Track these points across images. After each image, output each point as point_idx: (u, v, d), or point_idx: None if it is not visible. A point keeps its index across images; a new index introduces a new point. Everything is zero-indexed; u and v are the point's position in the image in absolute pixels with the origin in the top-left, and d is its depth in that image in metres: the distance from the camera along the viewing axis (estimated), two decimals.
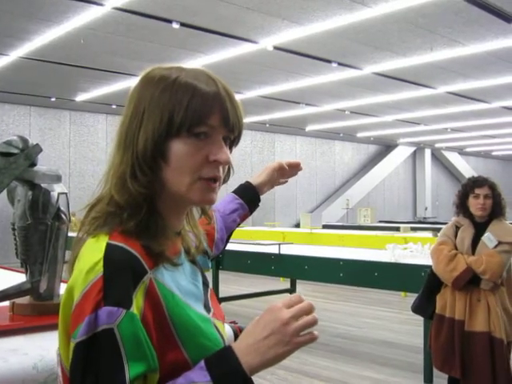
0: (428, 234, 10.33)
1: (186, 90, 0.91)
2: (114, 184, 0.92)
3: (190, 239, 1.06)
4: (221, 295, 6.89)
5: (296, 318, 0.85)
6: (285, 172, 1.62)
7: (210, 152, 0.92)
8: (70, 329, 0.83)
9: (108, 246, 0.86)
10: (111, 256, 0.84)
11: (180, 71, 0.95)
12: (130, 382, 0.80)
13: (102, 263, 0.83)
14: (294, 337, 0.84)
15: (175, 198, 0.95)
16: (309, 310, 0.86)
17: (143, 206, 0.91)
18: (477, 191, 3.56)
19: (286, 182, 1.65)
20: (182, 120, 0.89)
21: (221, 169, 0.95)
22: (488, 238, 3.52)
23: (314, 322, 0.86)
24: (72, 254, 0.94)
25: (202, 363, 0.85)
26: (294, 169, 1.65)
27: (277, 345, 0.84)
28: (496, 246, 3.49)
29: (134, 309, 0.82)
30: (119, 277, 0.83)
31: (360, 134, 19.65)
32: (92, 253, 0.86)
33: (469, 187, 3.61)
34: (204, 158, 0.92)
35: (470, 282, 3.47)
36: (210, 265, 1.27)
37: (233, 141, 0.98)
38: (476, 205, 3.55)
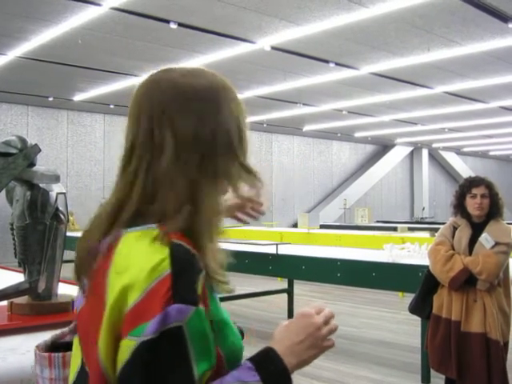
0: (425, 234, 10.35)
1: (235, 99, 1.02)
2: (152, 184, 0.93)
3: None
4: (219, 295, 6.87)
5: (325, 323, 0.94)
6: (245, 207, 1.44)
7: None
8: (124, 327, 0.82)
9: (172, 244, 0.86)
10: (178, 254, 0.85)
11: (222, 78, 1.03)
12: (197, 379, 0.82)
13: (168, 261, 0.84)
14: (323, 341, 0.94)
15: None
16: (332, 317, 0.96)
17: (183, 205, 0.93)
18: (474, 191, 3.56)
19: (245, 221, 1.51)
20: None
21: None
22: (485, 239, 3.52)
23: (336, 329, 0.96)
24: (82, 251, 0.93)
25: (250, 363, 0.88)
26: (255, 209, 1.47)
27: (310, 347, 0.92)
28: (493, 247, 3.48)
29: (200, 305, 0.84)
30: (186, 274, 0.84)
31: (357, 134, 19.67)
32: (152, 250, 0.85)
33: (466, 187, 3.62)
34: None
35: (466, 282, 3.47)
36: None
37: None
38: (473, 204, 3.55)
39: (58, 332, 1.14)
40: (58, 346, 1.13)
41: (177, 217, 0.90)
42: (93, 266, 0.91)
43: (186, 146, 0.93)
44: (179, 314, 0.81)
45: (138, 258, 0.85)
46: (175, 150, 0.92)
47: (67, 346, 1.11)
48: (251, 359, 0.90)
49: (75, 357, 0.97)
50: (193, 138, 0.93)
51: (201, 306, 0.84)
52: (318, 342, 0.93)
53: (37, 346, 1.12)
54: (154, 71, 1.03)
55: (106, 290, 0.86)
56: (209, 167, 0.94)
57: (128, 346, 0.81)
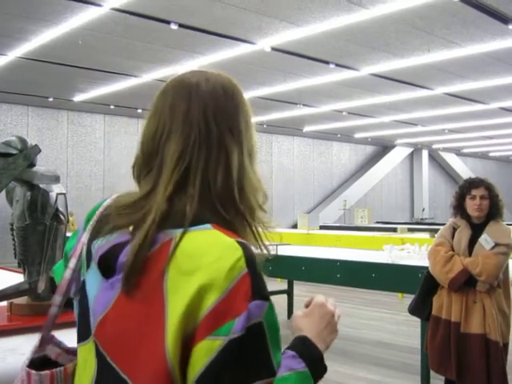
0: (425, 235, 10.35)
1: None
2: (200, 184, 0.95)
3: None
4: None
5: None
6: None
7: None
8: (202, 328, 0.83)
9: (239, 243, 0.89)
10: (249, 253, 0.89)
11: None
12: (276, 370, 0.87)
13: (243, 260, 0.86)
14: (336, 326, 1.05)
15: None
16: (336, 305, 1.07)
17: (231, 205, 0.96)
18: (473, 192, 3.56)
19: None
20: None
21: None
22: (485, 240, 3.52)
23: (340, 315, 1.08)
24: (141, 248, 0.89)
25: (292, 352, 0.94)
26: None
27: (331, 333, 1.03)
28: (493, 248, 3.48)
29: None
30: (259, 271, 0.88)
31: (357, 135, 19.67)
32: (223, 250, 0.87)
33: (465, 188, 3.62)
34: None
35: (466, 283, 3.47)
36: None
37: None
38: (472, 206, 3.55)
39: (33, 348, 1.08)
40: (36, 363, 1.07)
41: (227, 213, 0.95)
42: (143, 266, 0.89)
43: (241, 144, 0.99)
44: (259, 310, 0.85)
45: (209, 259, 0.86)
46: (237, 147, 0.98)
47: (40, 361, 1.07)
48: (292, 348, 0.95)
49: (88, 365, 0.95)
50: (244, 135, 1.00)
51: (271, 301, 0.89)
52: (335, 327, 1.04)
53: (29, 367, 1.04)
54: (176, 76, 1.03)
55: (165, 291, 0.86)
56: (251, 164, 1.00)
57: (211, 346, 0.82)
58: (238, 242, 0.89)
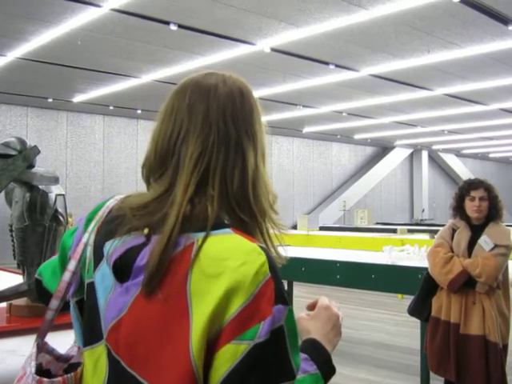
0: (425, 236, 10.35)
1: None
2: (218, 189, 0.94)
3: None
4: None
5: None
6: None
7: None
8: (227, 332, 0.83)
9: (262, 248, 0.90)
10: (271, 258, 0.90)
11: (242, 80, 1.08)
12: (296, 372, 0.88)
13: (267, 265, 0.87)
14: (341, 328, 1.08)
15: None
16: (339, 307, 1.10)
17: (246, 208, 0.97)
18: (472, 193, 3.56)
19: None
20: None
21: None
22: (484, 241, 3.51)
23: (343, 317, 1.11)
24: (164, 250, 0.88)
25: (305, 355, 0.97)
26: None
27: (337, 335, 1.07)
28: (492, 249, 3.48)
29: None
30: (279, 276, 0.89)
31: (357, 136, 19.68)
32: (247, 254, 0.87)
33: (464, 190, 3.61)
34: None
35: (465, 284, 3.46)
36: None
37: None
38: (472, 207, 3.55)
39: (32, 354, 1.05)
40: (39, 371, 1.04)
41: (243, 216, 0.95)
42: (165, 270, 0.88)
43: (256, 145, 1.00)
44: (280, 314, 0.86)
45: (234, 263, 0.86)
46: (253, 148, 0.98)
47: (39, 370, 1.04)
48: (304, 351, 0.98)
49: (99, 368, 0.94)
50: (259, 136, 1.01)
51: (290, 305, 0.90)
52: (339, 329, 1.07)
53: (38, 375, 1.01)
54: (192, 77, 1.03)
55: (188, 294, 0.85)
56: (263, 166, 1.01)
57: (236, 350, 0.83)
58: (261, 247, 0.89)
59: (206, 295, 0.84)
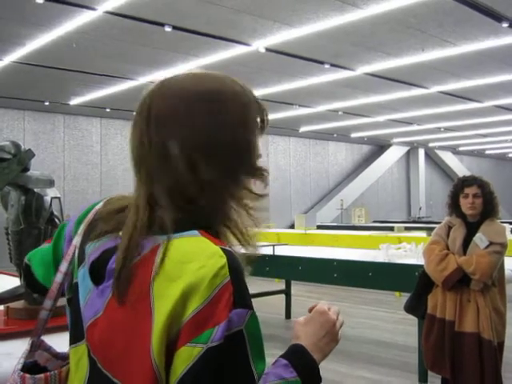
0: (422, 234, 10.37)
1: (252, 103, 1.04)
2: (180, 191, 0.93)
3: None
4: None
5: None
6: None
7: None
8: (184, 334, 0.83)
9: (224, 250, 0.88)
10: (233, 260, 0.88)
11: (232, 81, 1.06)
12: (257, 379, 0.85)
13: (227, 268, 0.86)
14: (337, 335, 1.04)
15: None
16: (339, 313, 1.07)
17: (211, 210, 0.95)
18: (466, 191, 3.57)
19: None
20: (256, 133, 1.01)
21: None
22: (479, 239, 3.52)
23: (343, 323, 1.07)
24: (127, 254, 0.89)
25: (285, 361, 0.94)
26: None
27: (330, 342, 1.03)
28: (487, 247, 3.48)
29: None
30: (242, 280, 0.88)
31: (353, 135, 19.69)
32: (208, 257, 0.86)
33: (458, 187, 3.63)
34: None
35: (460, 282, 3.48)
36: None
37: None
38: (466, 204, 3.56)
39: (23, 352, 1.09)
40: (27, 368, 1.07)
41: (213, 221, 0.94)
42: (125, 274, 0.89)
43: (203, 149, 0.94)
44: (239, 319, 0.84)
45: (194, 265, 0.86)
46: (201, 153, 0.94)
47: (31, 366, 1.07)
48: (285, 357, 0.95)
49: (80, 367, 0.95)
50: (205, 140, 0.94)
51: (254, 309, 0.88)
52: (335, 336, 1.03)
53: (21, 371, 1.05)
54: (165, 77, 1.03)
55: (152, 298, 0.86)
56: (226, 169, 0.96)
57: (190, 353, 0.82)
58: (223, 250, 0.88)
59: (165, 297, 0.85)
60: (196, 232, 0.91)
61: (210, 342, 0.82)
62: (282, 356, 0.95)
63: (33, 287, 1.21)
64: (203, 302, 0.83)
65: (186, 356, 0.82)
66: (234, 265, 0.87)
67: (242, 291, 0.87)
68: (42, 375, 1.05)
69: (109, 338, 0.91)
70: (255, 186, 1.03)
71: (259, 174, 1.06)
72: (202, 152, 0.93)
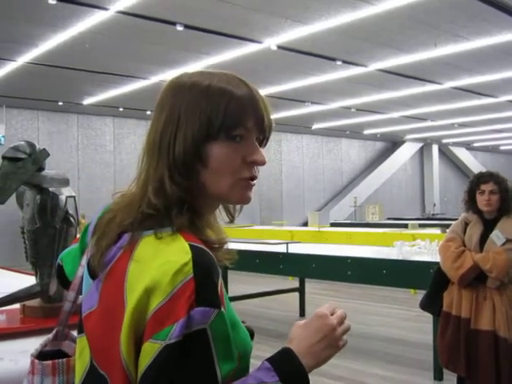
0: (436, 231, 10.29)
1: (222, 95, 0.94)
2: (153, 189, 0.94)
3: None
4: (229, 295, 6.88)
5: (339, 324, 0.97)
6: None
7: (246, 153, 0.96)
8: (147, 330, 0.83)
9: (192, 247, 0.87)
10: (199, 257, 0.86)
11: (211, 76, 0.97)
12: (221, 381, 0.84)
13: (191, 265, 0.84)
14: (338, 341, 0.97)
15: (213, 198, 0.99)
16: (345, 318, 0.99)
17: (183, 207, 0.93)
18: (482, 187, 3.53)
19: None
20: (220, 124, 0.93)
21: (256, 168, 0.99)
22: (496, 236, 3.47)
23: (349, 329, 0.99)
24: (100, 254, 0.93)
25: (268, 364, 0.90)
26: None
27: (327, 348, 0.95)
28: (504, 244, 3.44)
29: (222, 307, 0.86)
30: (209, 277, 0.86)
31: (366, 131, 19.62)
32: (174, 253, 0.86)
33: (474, 183, 3.59)
34: (241, 159, 0.96)
35: (476, 279, 3.45)
36: None
37: (262, 140, 1.01)
38: (482, 201, 3.52)
39: (44, 340, 1.14)
40: (44, 355, 1.13)
41: (181, 216, 0.92)
42: (108, 269, 0.92)
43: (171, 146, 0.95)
44: (203, 317, 0.82)
45: (159, 261, 0.86)
46: (177, 148, 0.94)
47: (53, 354, 1.12)
48: (270, 360, 0.91)
49: (82, 358, 0.97)
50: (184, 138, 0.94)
51: (222, 309, 0.86)
52: (334, 342, 0.96)
53: (33, 356, 1.12)
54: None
55: (125, 294, 0.87)
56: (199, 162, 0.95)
57: (151, 349, 0.82)
58: (191, 246, 0.87)
59: (134, 292, 0.85)
60: (169, 228, 0.91)
61: (168, 338, 0.81)
62: (267, 359, 0.92)
63: (66, 286, 1.24)
64: (165, 298, 0.82)
65: (148, 351, 0.82)
66: (199, 261, 0.86)
67: (207, 289, 0.85)
68: (49, 362, 1.10)
69: (97, 331, 0.93)
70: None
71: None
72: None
